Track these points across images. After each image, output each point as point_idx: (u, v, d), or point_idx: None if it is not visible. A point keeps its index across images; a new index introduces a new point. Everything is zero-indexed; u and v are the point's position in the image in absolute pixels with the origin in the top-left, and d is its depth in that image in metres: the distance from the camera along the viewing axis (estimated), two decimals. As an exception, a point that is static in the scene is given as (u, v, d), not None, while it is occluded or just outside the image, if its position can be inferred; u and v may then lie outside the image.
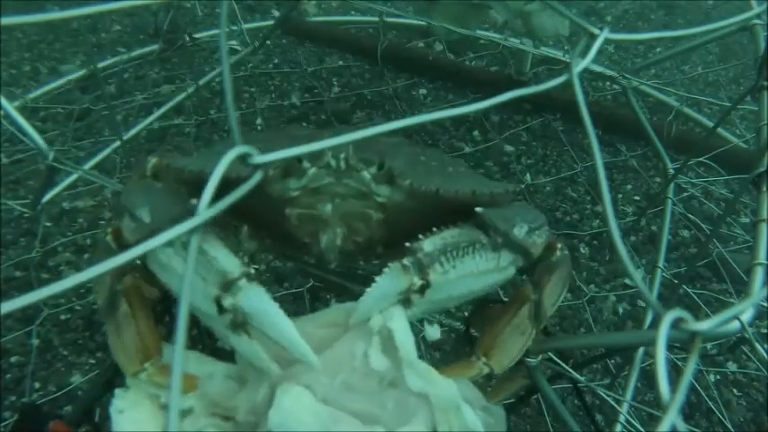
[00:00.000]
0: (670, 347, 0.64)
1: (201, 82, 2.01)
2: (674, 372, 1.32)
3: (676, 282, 1.60)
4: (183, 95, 1.99)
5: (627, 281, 1.68)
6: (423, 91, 2.27)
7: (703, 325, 0.54)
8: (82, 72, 2.11)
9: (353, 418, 0.65)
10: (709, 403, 1.42)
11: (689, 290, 1.60)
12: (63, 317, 1.46)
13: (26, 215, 1.63)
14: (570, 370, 0.86)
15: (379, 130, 0.57)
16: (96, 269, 0.44)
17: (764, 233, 0.72)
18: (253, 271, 0.65)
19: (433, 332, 0.75)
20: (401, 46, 2.34)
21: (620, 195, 1.95)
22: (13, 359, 1.37)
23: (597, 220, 1.85)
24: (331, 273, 0.99)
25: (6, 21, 0.77)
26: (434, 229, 0.72)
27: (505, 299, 0.90)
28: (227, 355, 0.74)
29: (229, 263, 0.64)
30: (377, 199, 0.79)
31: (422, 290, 0.68)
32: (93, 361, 1.39)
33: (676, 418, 0.48)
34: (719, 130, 1.93)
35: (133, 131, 1.84)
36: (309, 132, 0.89)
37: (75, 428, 0.83)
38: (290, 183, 0.78)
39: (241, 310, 0.64)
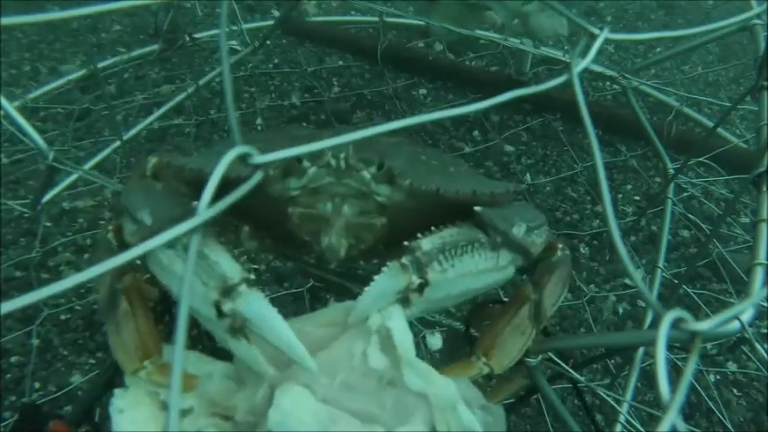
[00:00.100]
0: (670, 347, 0.64)
1: (201, 82, 2.01)
2: (674, 372, 1.32)
3: (676, 282, 1.60)
4: (183, 95, 1.99)
5: (627, 281, 1.68)
6: (423, 91, 2.27)
7: (703, 325, 0.54)
8: (82, 72, 2.11)
9: (353, 417, 0.65)
10: (709, 403, 1.41)
11: (689, 290, 1.60)
12: (63, 317, 1.46)
13: (26, 215, 1.63)
14: (570, 370, 0.86)
15: (379, 130, 0.57)
16: (96, 269, 0.44)
17: (764, 233, 0.72)
18: (253, 277, 0.65)
19: (435, 341, 0.75)
20: (401, 46, 2.34)
21: (620, 195, 1.95)
22: (13, 359, 1.37)
23: (597, 220, 1.85)
24: (331, 273, 0.99)
25: (6, 21, 0.77)
26: (433, 229, 0.72)
27: (505, 299, 0.90)
28: (226, 356, 0.74)
29: (230, 268, 0.65)
30: (377, 199, 0.79)
31: (420, 289, 0.68)
32: (93, 361, 1.39)
33: (676, 418, 0.48)
34: (719, 130, 1.93)
35: (133, 131, 1.84)
36: (309, 132, 0.90)
37: (75, 428, 0.83)
38: (291, 182, 0.78)
39: (240, 316, 0.64)
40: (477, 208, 0.75)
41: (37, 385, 1.34)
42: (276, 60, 2.34)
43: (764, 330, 1.59)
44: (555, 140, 2.08)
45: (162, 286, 0.83)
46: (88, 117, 1.97)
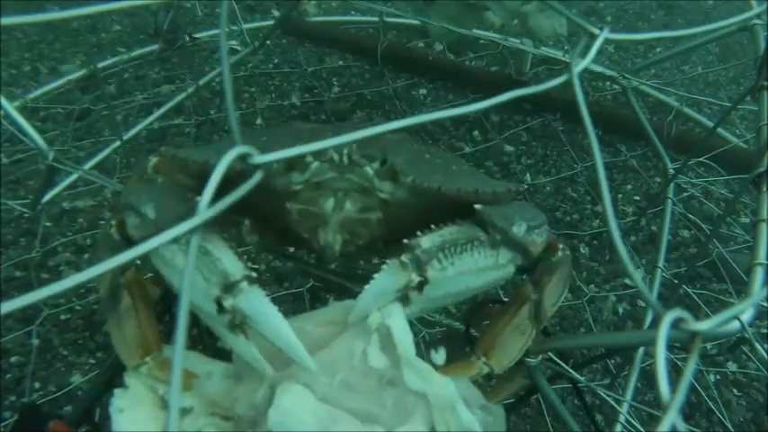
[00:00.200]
0: (670, 347, 0.64)
1: (201, 82, 2.01)
2: (674, 372, 1.32)
3: (676, 282, 1.60)
4: (183, 95, 1.99)
5: (627, 281, 1.68)
6: (423, 91, 2.27)
7: (703, 325, 0.54)
8: (82, 72, 2.11)
9: (352, 417, 0.65)
10: (710, 403, 1.41)
11: (689, 290, 1.60)
12: (63, 317, 1.46)
13: (26, 215, 1.63)
14: (570, 370, 0.86)
15: (379, 130, 0.57)
16: (96, 269, 0.44)
17: (764, 233, 0.72)
18: (254, 274, 0.65)
19: (439, 357, 0.75)
20: (401, 46, 2.34)
21: (620, 195, 1.95)
22: (13, 359, 1.37)
23: (597, 220, 1.85)
24: (331, 272, 0.99)
25: (6, 21, 0.77)
26: (433, 227, 0.72)
27: (505, 299, 0.90)
28: (227, 356, 0.74)
29: (232, 265, 0.65)
30: (379, 195, 0.79)
31: (420, 287, 0.68)
32: (93, 361, 1.39)
33: (676, 418, 0.48)
34: (719, 130, 1.93)
35: (133, 131, 1.84)
36: (312, 128, 0.89)
37: (75, 428, 0.83)
38: (293, 177, 0.78)
39: (240, 312, 0.64)
40: (477, 206, 0.75)
41: (37, 385, 1.34)
42: (276, 60, 2.34)
43: (764, 330, 1.59)
44: (555, 140, 2.08)
45: (162, 286, 0.83)
46: (88, 117, 1.97)
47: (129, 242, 0.75)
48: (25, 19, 0.82)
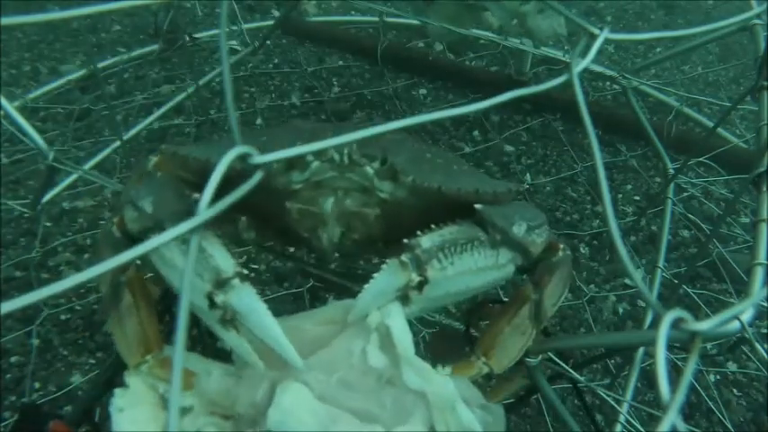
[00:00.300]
0: (670, 347, 0.64)
1: (201, 82, 2.01)
2: (674, 372, 1.32)
3: (676, 282, 1.60)
4: (183, 95, 2.00)
5: (627, 281, 1.68)
6: (423, 91, 2.27)
7: (703, 325, 0.54)
8: (82, 72, 2.11)
9: (352, 416, 0.65)
10: (710, 403, 1.41)
11: (689, 290, 1.60)
12: (63, 317, 1.46)
13: (26, 215, 1.63)
14: (570, 370, 0.86)
15: (379, 130, 0.57)
16: (97, 269, 0.44)
17: (764, 233, 0.72)
18: (246, 272, 0.66)
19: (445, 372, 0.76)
20: (401, 46, 2.34)
21: (620, 195, 1.95)
22: (13, 359, 1.37)
23: (597, 220, 1.85)
24: (330, 272, 0.99)
25: (6, 21, 0.77)
26: (433, 226, 0.72)
27: (505, 299, 0.90)
28: (227, 356, 0.74)
29: (224, 262, 0.66)
30: (379, 194, 0.79)
31: (420, 286, 0.68)
32: (93, 361, 1.39)
33: (676, 418, 0.48)
34: (719, 130, 1.93)
35: (133, 131, 1.84)
36: (312, 127, 0.89)
37: (75, 428, 0.83)
38: (294, 176, 0.78)
39: (231, 308, 0.65)
40: (477, 206, 0.75)
41: (37, 385, 1.34)
42: (276, 60, 2.34)
43: (764, 330, 1.59)
44: (555, 140, 2.08)
45: (163, 285, 0.83)
46: (88, 117, 1.97)
47: (130, 239, 0.75)
48: (25, 19, 0.82)
